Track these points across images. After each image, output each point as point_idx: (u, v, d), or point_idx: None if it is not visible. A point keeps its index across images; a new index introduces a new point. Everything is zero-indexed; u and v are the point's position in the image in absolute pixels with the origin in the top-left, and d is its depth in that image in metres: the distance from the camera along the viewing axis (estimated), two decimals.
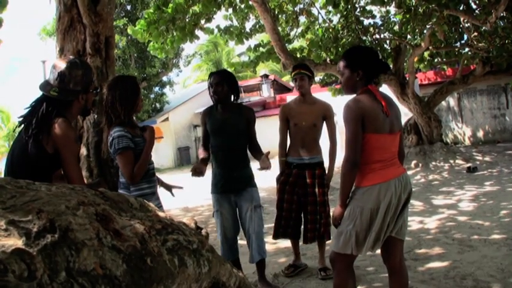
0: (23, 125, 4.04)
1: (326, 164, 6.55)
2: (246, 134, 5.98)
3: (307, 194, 6.40)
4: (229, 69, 7.77)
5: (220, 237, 6.06)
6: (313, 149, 6.49)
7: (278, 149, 6.71)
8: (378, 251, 4.36)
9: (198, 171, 5.55)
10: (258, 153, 5.91)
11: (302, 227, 6.57)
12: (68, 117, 4.01)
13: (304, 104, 6.52)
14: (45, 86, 4.03)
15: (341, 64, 4.29)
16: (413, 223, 8.93)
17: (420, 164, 17.43)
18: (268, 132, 15.26)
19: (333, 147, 6.58)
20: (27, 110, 4.04)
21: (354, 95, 4.18)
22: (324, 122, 6.56)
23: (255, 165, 5.68)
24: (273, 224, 6.60)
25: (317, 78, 21.97)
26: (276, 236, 6.57)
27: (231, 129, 5.91)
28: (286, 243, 7.49)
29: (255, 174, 6.01)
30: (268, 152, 5.62)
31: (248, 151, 6.03)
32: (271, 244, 7.66)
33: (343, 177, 4.03)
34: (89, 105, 4.28)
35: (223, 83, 5.88)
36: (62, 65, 4.03)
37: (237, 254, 6.15)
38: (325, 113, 6.51)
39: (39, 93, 4.10)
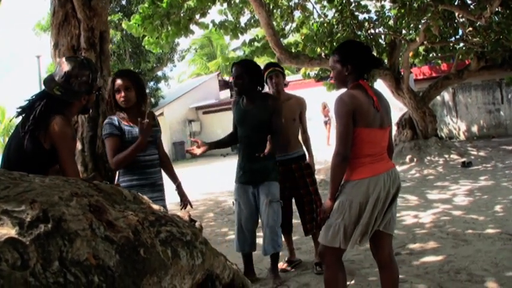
0: (20, 117, 4.04)
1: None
2: (268, 126, 5.87)
3: (299, 186, 6.44)
4: (225, 63, 7.74)
5: (236, 227, 6.16)
6: (296, 143, 6.56)
7: None
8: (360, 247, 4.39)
9: (195, 147, 5.75)
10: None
11: (299, 220, 6.58)
12: (67, 114, 4.01)
13: (281, 101, 6.44)
14: (50, 82, 4.02)
15: (332, 58, 4.31)
16: (408, 217, 8.96)
17: (415, 159, 17.46)
18: None
19: (306, 137, 6.80)
20: (27, 102, 4.03)
21: (345, 89, 4.20)
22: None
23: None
24: None
25: (312, 73, 21.96)
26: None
27: (251, 121, 5.93)
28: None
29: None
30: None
31: None
32: None
33: (333, 170, 4.06)
34: (90, 105, 4.31)
35: (243, 74, 5.88)
36: (69, 64, 4.03)
37: (253, 248, 6.19)
38: (301, 107, 6.63)
39: (36, 89, 4.13)
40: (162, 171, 5.22)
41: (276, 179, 6.00)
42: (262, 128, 5.86)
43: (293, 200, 6.59)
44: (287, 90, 6.89)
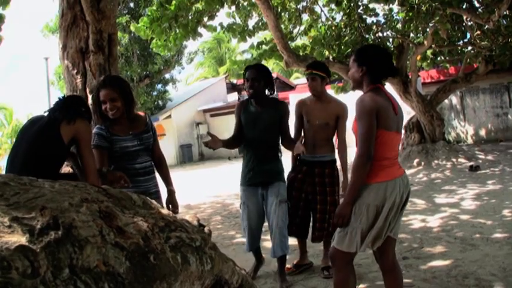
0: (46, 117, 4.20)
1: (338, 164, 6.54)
2: (278, 129, 6.07)
3: (316, 192, 6.35)
4: (233, 67, 7.83)
5: (246, 229, 6.21)
6: (324, 147, 6.43)
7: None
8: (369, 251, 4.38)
9: (211, 142, 5.72)
10: (290, 142, 5.99)
11: (311, 225, 6.54)
12: None
13: (319, 102, 6.45)
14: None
15: (351, 58, 4.34)
16: (416, 221, 8.93)
17: (422, 163, 17.43)
18: None
19: (342, 146, 6.50)
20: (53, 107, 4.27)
21: (362, 92, 4.19)
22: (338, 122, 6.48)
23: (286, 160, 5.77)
24: None
25: None
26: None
27: (263, 123, 6.00)
28: (291, 240, 7.50)
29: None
30: (303, 137, 5.90)
31: (281, 145, 6.17)
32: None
33: (356, 172, 3.97)
34: None
35: (260, 78, 5.97)
36: None
37: (259, 242, 6.34)
38: (339, 113, 6.41)
39: (45, 91, 4.37)
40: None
41: (284, 180, 6.11)
42: (273, 130, 6.02)
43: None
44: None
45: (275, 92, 6.37)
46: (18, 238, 1.55)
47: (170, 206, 5.08)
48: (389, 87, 18.15)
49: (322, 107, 6.40)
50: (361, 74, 4.15)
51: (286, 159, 6.16)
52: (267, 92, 6.13)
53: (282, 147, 6.22)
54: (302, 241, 6.67)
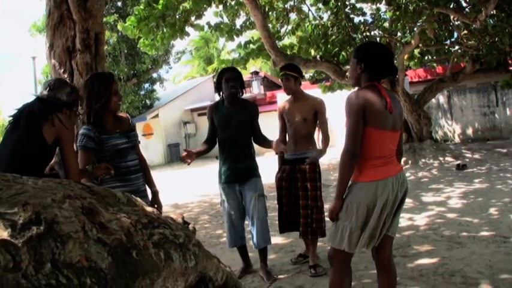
0: (13, 118, 4.13)
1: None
2: (250, 128, 6.33)
3: (298, 188, 6.48)
4: (221, 66, 7.93)
5: (227, 225, 6.44)
6: (305, 144, 6.62)
7: None
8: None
9: (186, 156, 5.87)
10: (265, 141, 6.19)
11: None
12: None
13: (296, 101, 6.71)
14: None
15: (352, 54, 4.37)
16: (403, 220, 8.95)
17: (410, 161, 17.47)
18: None
19: (325, 137, 6.70)
20: (20, 107, 4.17)
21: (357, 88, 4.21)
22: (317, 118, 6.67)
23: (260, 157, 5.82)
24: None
25: (307, 75, 21.98)
26: (281, 231, 6.75)
27: (236, 122, 6.23)
28: (278, 239, 7.52)
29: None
30: (278, 140, 6.00)
31: (254, 143, 6.38)
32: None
33: (342, 168, 3.99)
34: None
35: (238, 80, 6.27)
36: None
37: (244, 240, 6.50)
38: (316, 108, 6.62)
39: (32, 90, 4.31)
40: None
41: (259, 175, 6.36)
42: (245, 129, 6.28)
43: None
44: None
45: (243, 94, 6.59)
46: (0, 233, 1.56)
47: (155, 206, 5.06)
48: None
49: (299, 104, 6.67)
50: (359, 71, 4.15)
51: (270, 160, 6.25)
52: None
53: (255, 145, 6.43)
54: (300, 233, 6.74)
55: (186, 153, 5.88)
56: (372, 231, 3.97)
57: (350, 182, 4.09)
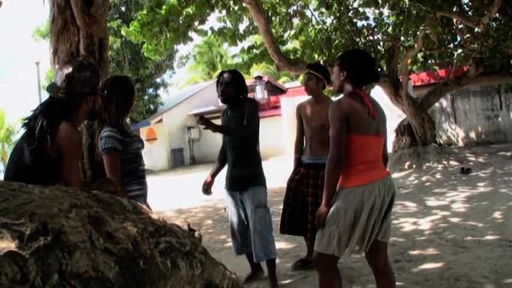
0: (25, 129, 4.03)
1: None
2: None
3: (308, 193, 6.34)
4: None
5: (230, 231, 6.35)
6: (321, 150, 6.28)
7: (294, 147, 6.88)
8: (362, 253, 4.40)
9: (207, 191, 6.23)
10: (242, 129, 6.01)
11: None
12: (74, 121, 3.98)
13: (316, 105, 6.53)
14: (53, 88, 3.99)
15: (336, 61, 4.45)
16: (407, 224, 8.95)
17: (414, 165, 17.42)
18: (262, 133, 15.26)
19: None
20: (32, 113, 4.02)
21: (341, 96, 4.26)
22: None
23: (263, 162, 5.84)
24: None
25: None
26: (282, 231, 6.59)
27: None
28: (283, 244, 7.51)
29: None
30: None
31: (257, 150, 6.17)
32: None
33: (328, 176, 4.07)
34: (97, 107, 4.24)
35: (231, 83, 6.00)
36: (69, 67, 4.00)
37: (248, 249, 6.18)
38: None
39: (36, 95, 4.13)
40: None
41: (261, 184, 6.07)
42: None
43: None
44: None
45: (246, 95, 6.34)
46: (8, 244, 1.56)
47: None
48: (380, 90, 18.22)
49: (318, 108, 6.44)
50: (342, 79, 4.26)
51: (274, 164, 6.18)
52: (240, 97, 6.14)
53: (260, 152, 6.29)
54: (305, 237, 6.70)
55: (205, 187, 6.13)
56: (360, 235, 4.02)
57: (337, 188, 4.14)
